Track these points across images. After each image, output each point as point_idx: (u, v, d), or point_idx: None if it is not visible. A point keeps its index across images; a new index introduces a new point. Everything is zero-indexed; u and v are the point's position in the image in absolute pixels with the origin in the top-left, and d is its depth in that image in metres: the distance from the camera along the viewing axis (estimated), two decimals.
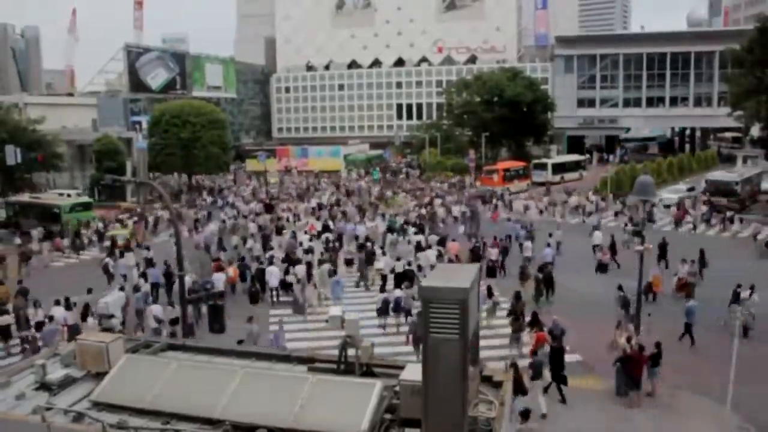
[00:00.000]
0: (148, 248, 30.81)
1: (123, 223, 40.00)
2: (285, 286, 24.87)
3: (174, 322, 18.40)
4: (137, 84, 77.20)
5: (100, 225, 39.38)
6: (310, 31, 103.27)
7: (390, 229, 33.50)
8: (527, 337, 18.89)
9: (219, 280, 23.35)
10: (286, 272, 25.22)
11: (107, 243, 33.82)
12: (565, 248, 30.66)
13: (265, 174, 60.20)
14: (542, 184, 56.06)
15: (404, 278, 23.99)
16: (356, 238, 32.25)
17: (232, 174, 69.82)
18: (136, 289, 23.26)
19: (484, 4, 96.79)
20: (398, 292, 21.95)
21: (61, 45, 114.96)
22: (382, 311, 21.40)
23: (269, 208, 42.96)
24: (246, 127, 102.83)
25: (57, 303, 20.31)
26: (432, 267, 24.40)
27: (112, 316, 19.92)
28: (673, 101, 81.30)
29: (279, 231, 34.81)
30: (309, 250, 28.61)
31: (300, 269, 25.04)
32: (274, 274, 24.86)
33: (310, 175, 67.11)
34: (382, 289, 24.22)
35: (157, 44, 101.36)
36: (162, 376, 7.29)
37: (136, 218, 41.67)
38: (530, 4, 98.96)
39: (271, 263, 26.00)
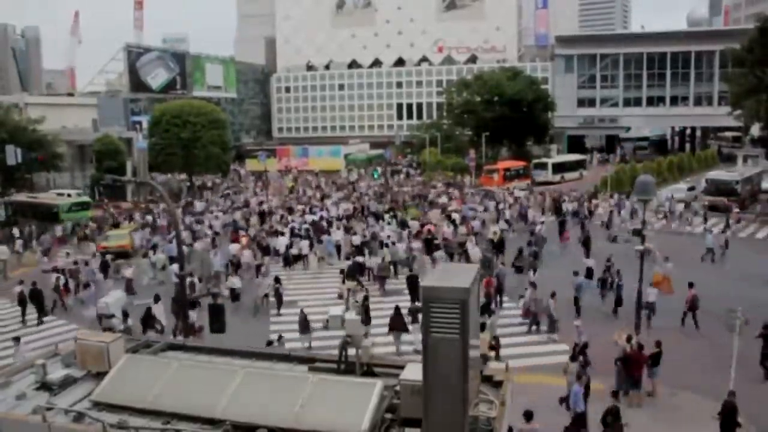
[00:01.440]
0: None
1: (117, 224, 39.76)
2: (294, 258, 29.82)
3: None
4: (137, 84, 77.28)
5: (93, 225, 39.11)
6: (310, 31, 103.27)
7: (376, 217, 37.42)
8: None
9: (233, 249, 29.13)
10: (291, 246, 30.26)
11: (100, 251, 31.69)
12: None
13: (265, 175, 59.81)
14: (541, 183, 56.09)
15: (365, 247, 29.52)
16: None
17: (251, 177, 68.29)
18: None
19: (484, 3, 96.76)
20: (360, 258, 27.71)
21: (62, 45, 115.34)
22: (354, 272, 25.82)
23: (262, 218, 40.06)
24: (246, 127, 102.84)
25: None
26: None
27: (112, 316, 19.90)
28: (674, 101, 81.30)
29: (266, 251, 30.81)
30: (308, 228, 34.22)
31: (304, 244, 30.33)
32: (278, 245, 30.36)
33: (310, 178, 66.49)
34: (348, 257, 28.30)
35: (158, 44, 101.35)
36: (162, 376, 7.28)
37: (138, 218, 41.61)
38: (530, 3, 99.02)
39: (299, 235, 32.16)
